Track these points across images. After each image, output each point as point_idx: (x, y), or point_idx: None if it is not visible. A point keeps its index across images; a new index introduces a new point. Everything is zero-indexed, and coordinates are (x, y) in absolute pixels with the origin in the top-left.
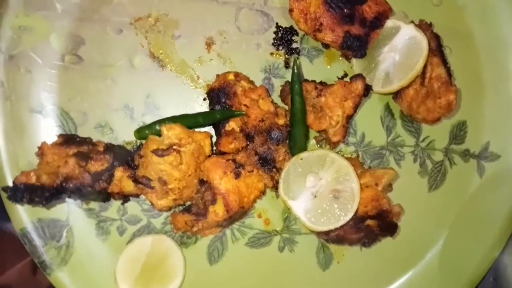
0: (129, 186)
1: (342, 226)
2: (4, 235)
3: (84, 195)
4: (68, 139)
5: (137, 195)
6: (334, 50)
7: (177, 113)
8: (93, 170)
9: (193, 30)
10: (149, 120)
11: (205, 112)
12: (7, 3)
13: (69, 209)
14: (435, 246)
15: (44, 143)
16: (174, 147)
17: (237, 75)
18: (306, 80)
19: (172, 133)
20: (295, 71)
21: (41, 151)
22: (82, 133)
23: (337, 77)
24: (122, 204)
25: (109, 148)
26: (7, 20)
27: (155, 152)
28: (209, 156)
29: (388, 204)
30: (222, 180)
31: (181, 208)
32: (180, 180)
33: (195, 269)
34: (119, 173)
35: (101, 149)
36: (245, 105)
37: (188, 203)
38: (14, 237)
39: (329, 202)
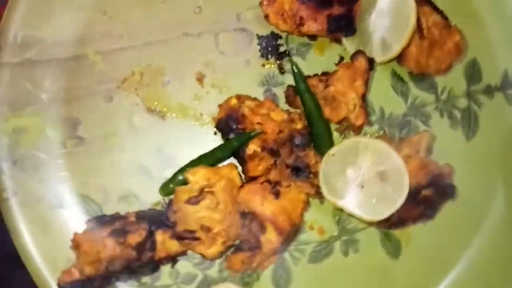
0: (174, 245)
1: (401, 206)
2: None
3: (134, 271)
4: (98, 222)
5: (184, 253)
6: (322, 39)
7: (194, 157)
8: (134, 242)
9: (180, 71)
10: (169, 173)
11: (221, 145)
12: None
13: None
14: (498, 194)
15: (76, 234)
16: (206, 189)
17: (239, 97)
18: (309, 76)
19: (198, 176)
20: (295, 71)
21: (75, 243)
22: (109, 210)
23: (335, 63)
24: (172, 266)
25: (141, 215)
26: None
27: (188, 201)
28: (242, 186)
29: (437, 167)
30: (264, 205)
31: (232, 249)
32: (222, 221)
33: None
34: (160, 236)
35: (133, 219)
36: (258, 123)
37: (237, 241)
38: None
39: (379, 187)
